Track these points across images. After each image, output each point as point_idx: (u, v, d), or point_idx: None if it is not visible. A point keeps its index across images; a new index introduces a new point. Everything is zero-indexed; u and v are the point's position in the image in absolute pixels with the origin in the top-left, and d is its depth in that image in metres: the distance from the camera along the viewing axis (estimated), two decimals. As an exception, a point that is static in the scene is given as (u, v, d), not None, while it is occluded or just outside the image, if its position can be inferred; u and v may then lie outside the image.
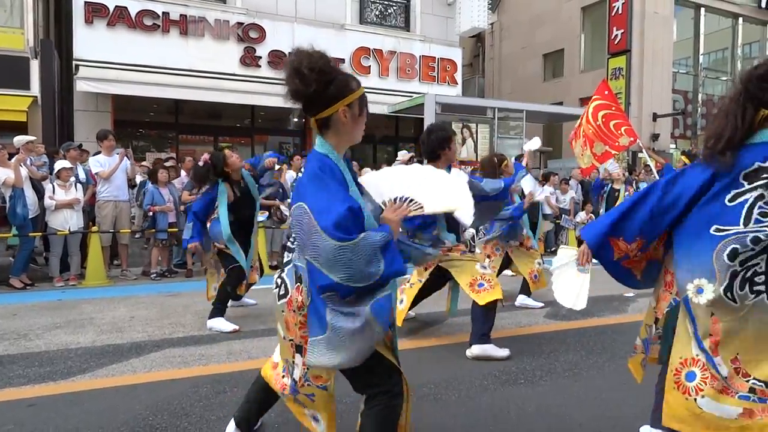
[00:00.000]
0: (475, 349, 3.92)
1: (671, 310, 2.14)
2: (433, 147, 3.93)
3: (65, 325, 4.89)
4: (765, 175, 1.81)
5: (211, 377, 3.53)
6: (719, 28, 20.28)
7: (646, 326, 2.39)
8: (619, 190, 8.36)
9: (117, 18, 11.26)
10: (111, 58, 11.15)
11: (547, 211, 10.89)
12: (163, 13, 11.68)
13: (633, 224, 2.07)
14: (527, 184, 6.11)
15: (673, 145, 18.60)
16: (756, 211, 1.80)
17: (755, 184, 1.82)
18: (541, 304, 5.67)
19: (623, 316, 5.38)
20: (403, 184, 2.14)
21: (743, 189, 1.83)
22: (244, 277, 4.86)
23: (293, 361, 1.99)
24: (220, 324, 4.68)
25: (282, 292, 1.94)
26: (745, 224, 1.80)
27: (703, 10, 19.34)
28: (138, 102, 11.90)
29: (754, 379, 1.86)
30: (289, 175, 9.46)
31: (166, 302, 5.91)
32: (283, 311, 1.94)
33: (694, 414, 1.95)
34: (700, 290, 1.91)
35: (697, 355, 1.95)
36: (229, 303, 5.36)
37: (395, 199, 2.06)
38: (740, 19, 19.97)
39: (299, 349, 1.93)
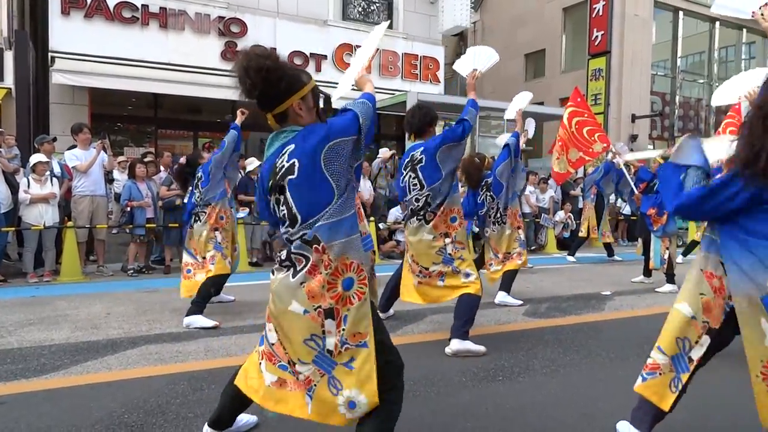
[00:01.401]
0: (456, 344, 3.94)
1: (729, 314, 2.10)
2: (423, 123, 4.03)
3: (39, 322, 4.79)
4: None
5: (188, 374, 3.49)
6: (697, 32, 20.62)
7: (679, 339, 2.25)
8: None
9: (94, 10, 11.05)
10: (88, 51, 10.95)
11: (527, 210, 10.99)
12: (143, 5, 11.49)
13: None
14: (530, 127, 6.27)
15: (651, 146, 18.87)
16: None
17: None
18: (520, 302, 5.71)
19: (600, 314, 5.45)
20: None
21: None
22: (227, 277, 4.99)
23: (323, 332, 1.88)
24: (200, 320, 4.63)
25: (301, 267, 1.87)
26: None
27: (681, 13, 19.65)
28: (116, 96, 11.69)
29: None
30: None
31: (143, 299, 5.83)
32: (302, 283, 1.86)
33: None
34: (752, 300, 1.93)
35: None
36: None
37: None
38: (717, 23, 20.32)
39: (330, 314, 1.86)
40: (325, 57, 13.45)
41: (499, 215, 5.58)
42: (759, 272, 1.92)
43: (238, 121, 4.98)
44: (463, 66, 4.49)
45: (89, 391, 3.22)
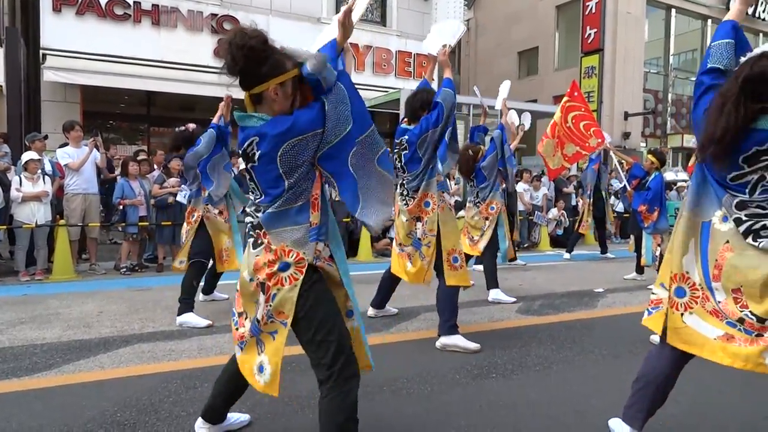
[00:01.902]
0: (443, 340, 3.97)
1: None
2: (416, 108, 4.01)
3: (30, 321, 4.77)
4: (764, 158, 1.97)
5: (181, 373, 3.48)
6: (689, 29, 20.73)
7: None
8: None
9: (86, 7, 10.98)
10: (80, 48, 10.88)
11: (521, 207, 11.01)
12: (135, 2, 11.43)
13: None
14: (526, 120, 6.28)
15: (644, 144, 18.97)
16: (759, 188, 2.02)
17: (755, 167, 2.00)
18: (514, 299, 5.73)
19: (593, 311, 5.47)
20: None
21: (744, 171, 2.02)
22: (206, 268, 4.95)
23: (256, 301, 2.10)
24: (193, 319, 4.61)
25: (259, 241, 2.05)
26: (750, 195, 2.04)
27: (673, 11, 19.74)
28: (108, 93, 11.63)
29: (748, 311, 2.03)
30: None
31: (136, 297, 5.81)
32: (257, 255, 2.05)
33: (675, 327, 2.23)
34: (725, 218, 2.10)
35: (687, 273, 2.20)
36: (201, 297, 5.31)
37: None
38: (709, 21, 20.43)
39: (263, 288, 2.04)
40: (319, 54, 13.42)
41: (477, 201, 5.78)
42: (712, 204, 2.15)
43: (216, 118, 4.60)
44: (431, 44, 4.30)
45: (81, 389, 3.20)
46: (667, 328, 2.26)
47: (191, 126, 4.90)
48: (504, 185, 6.01)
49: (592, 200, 9.41)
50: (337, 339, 2.04)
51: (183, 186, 6.28)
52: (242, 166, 6.94)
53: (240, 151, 2.05)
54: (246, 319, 2.19)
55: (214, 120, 4.63)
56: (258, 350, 2.16)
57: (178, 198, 7.39)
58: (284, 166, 1.93)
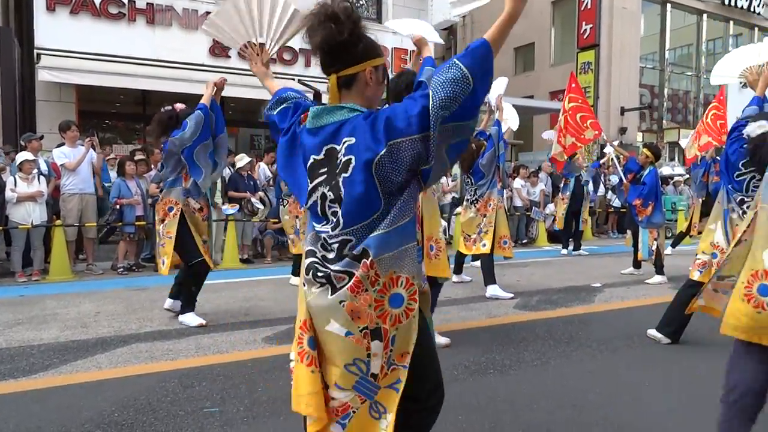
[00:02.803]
0: None
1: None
2: (400, 89, 3.88)
3: (27, 321, 4.75)
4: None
5: (179, 372, 3.48)
6: (684, 24, 20.74)
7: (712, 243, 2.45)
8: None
9: (80, 6, 10.91)
10: (74, 47, 10.82)
11: (518, 203, 11.03)
12: (129, 1, 11.37)
13: None
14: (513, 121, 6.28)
15: (640, 139, 18.98)
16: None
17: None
18: (511, 295, 5.74)
19: (590, 306, 5.48)
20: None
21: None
22: (208, 271, 4.67)
23: (368, 354, 1.61)
24: (189, 319, 4.61)
25: (341, 284, 1.58)
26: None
27: (669, 6, 19.74)
28: (103, 92, 11.59)
29: None
30: (262, 169, 9.37)
31: (133, 297, 5.80)
32: (342, 302, 1.57)
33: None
34: None
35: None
36: (167, 303, 5.05)
37: None
38: (704, 16, 20.45)
39: (377, 335, 1.59)
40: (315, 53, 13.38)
41: (474, 198, 5.78)
42: None
43: (206, 99, 4.27)
44: (404, 28, 4.15)
45: (79, 390, 3.20)
46: (752, 327, 2.10)
47: (178, 106, 4.59)
48: (501, 183, 6.02)
49: (570, 193, 9.36)
50: (436, 372, 1.81)
51: (152, 173, 5.61)
52: (242, 163, 6.59)
53: (307, 160, 1.66)
54: (338, 391, 1.64)
55: (203, 100, 4.31)
56: (373, 415, 1.65)
57: None
58: (378, 175, 1.53)
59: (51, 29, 10.72)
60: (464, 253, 6.02)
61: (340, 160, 1.57)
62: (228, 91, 12.15)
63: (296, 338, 1.70)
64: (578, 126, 6.57)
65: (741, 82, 3.88)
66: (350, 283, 1.56)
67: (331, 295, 1.59)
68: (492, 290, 5.75)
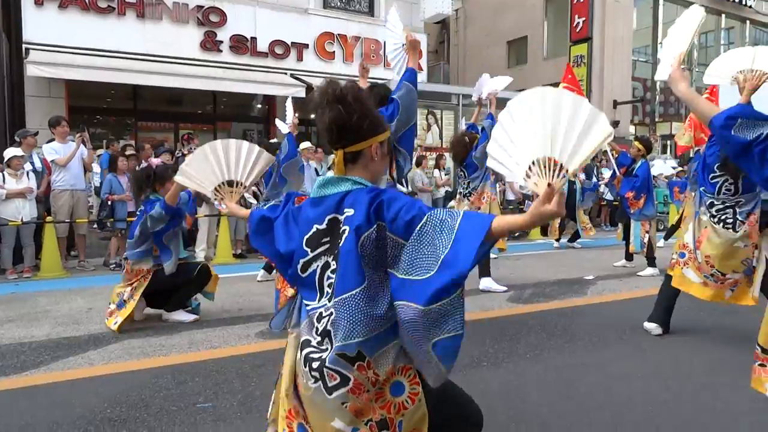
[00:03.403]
0: None
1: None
2: (374, 102, 3.83)
3: (18, 319, 4.72)
4: None
5: (172, 368, 3.47)
6: (677, 17, 20.77)
7: None
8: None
9: (69, 0, 10.81)
10: (63, 42, 10.71)
11: (511, 197, 11.05)
12: (119, -6, 11.28)
13: None
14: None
15: (633, 132, 19.04)
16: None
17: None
18: (504, 288, 5.75)
19: (583, 299, 5.50)
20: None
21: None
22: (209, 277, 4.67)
23: None
24: (181, 315, 4.60)
25: (333, 383, 1.55)
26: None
27: (661, -1, 19.79)
28: (94, 88, 11.47)
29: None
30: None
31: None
32: (344, 403, 1.55)
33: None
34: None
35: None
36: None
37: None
38: (696, 9, 20.49)
39: (384, 425, 1.59)
40: (307, 46, 13.31)
41: (468, 191, 5.80)
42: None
43: (171, 198, 4.17)
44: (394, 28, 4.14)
45: (70, 387, 3.18)
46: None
47: (154, 162, 4.69)
48: (494, 176, 6.04)
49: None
50: (464, 413, 1.81)
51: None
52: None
53: (309, 230, 1.67)
54: None
55: (169, 199, 4.22)
56: None
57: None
58: (378, 252, 1.56)
59: (39, 24, 10.61)
60: None
61: (341, 230, 1.59)
62: (220, 86, 12.18)
63: (283, 424, 1.70)
64: None
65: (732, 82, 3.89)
66: (350, 386, 1.55)
67: (329, 395, 1.56)
68: (485, 283, 5.76)
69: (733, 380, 3.22)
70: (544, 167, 1.39)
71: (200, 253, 7.95)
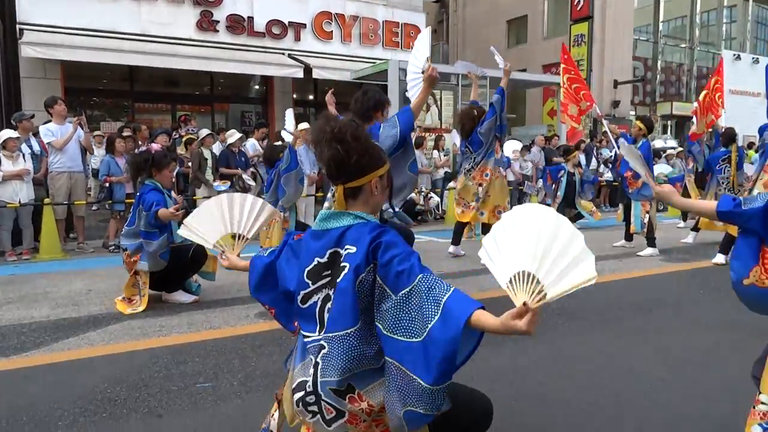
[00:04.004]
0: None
1: None
2: (368, 107, 3.80)
3: (18, 300, 4.72)
4: None
5: (172, 348, 3.47)
6: (679, -4, 20.54)
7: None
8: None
9: (63, -21, 10.67)
10: (58, 22, 10.60)
11: (510, 177, 11.00)
12: (113, -26, 11.11)
13: None
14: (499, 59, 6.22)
15: (633, 112, 18.94)
16: None
17: None
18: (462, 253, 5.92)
19: (583, 279, 5.51)
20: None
21: None
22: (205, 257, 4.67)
23: None
24: (181, 296, 4.60)
25: (330, 416, 1.61)
26: None
27: (663, -24, 19.54)
28: (89, 69, 11.38)
29: None
30: (250, 143, 9.29)
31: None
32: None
33: None
34: None
35: None
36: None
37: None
38: (699, -14, 20.25)
39: None
40: (304, 26, 13.17)
41: (472, 168, 5.80)
42: None
43: (166, 216, 4.22)
44: (417, 61, 4.23)
45: (71, 367, 3.19)
46: None
47: (154, 147, 4.71)
48: (499, 153, 5.99)
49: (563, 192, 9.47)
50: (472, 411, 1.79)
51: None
52: (232, 139, 6.64)
53: (310, 263, 1.70)
54: None
55: (161, 217, 4.28)
56: None
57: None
58: (359, 288, 1.61)
59: (33, 4, 10.49)
60: (462, 222, 6.06)
61: (342, 266, 1.62)
62: (217, 66, 12.07)
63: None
64: (576, 96, 6.55)
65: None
66: (346, 417, 1.60)
67: (329, 426, 1.62)
68: (453, 249, 6.05)
69: (733, 359, 3.23)
70: (527, 282, 1.41)
71: (199, 235, 7.95)
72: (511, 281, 1.43)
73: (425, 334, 1.47)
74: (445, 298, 1.48)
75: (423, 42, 4.12)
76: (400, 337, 1.53)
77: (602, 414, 2.58)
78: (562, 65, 6.48)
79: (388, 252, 1.58)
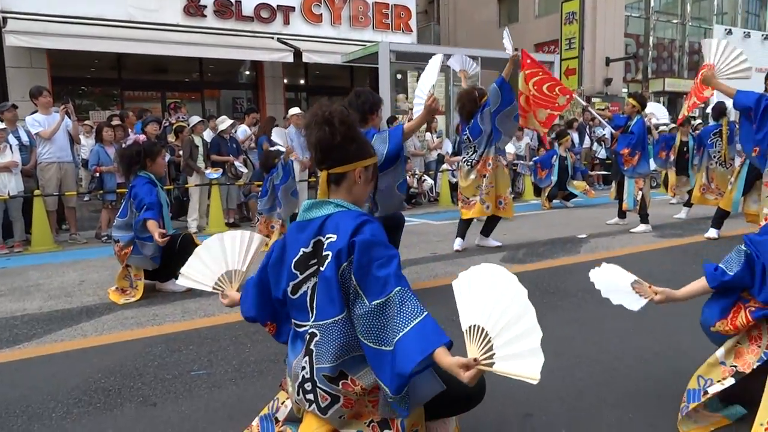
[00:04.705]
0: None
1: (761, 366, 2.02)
2: (363, 111, 3.83)
3: (10, 293, 4.70)
4: None
5: (165, 336, 3.47)
6: (670, -29, 20.36)
7: (701, 378, 2.19)
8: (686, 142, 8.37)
9: (46, -34, 10.47)
10: (42, 10, 10.43)
11: (504, 162, 10.97)
12: (97, -41, 10.92)
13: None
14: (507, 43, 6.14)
15: (625, 89, 18.87)
16: None
17: None
18: (499, 243, 5.82)
19: (576, 257, 5.52)
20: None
21: None
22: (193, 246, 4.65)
23: None
24: (175, 285, 4.58)
25: (325, 404, 1.65)
26: None
27: (654, -49, 19.34)
28: (76, 57, 11.22)
29: None
30: (241, 130, 9.21)
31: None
32: (342, 416, 1.66)
33: None
34: None
35: None
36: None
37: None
38: (690, -39, 20.06)
39: (384, 425, 1.67)
40: (293, 9, 13.01)
41: (473, 158, 5.65)
42: None
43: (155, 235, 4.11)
44: (423, 86, 4.26)
45: (65, 358, 3.18)
46: None
47: (140, 138, 4.66)
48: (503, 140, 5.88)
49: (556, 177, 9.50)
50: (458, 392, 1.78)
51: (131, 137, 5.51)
52: (224, 125, 6.70)
53: (296, 254, 1.71)
54: None
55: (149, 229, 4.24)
56: None
57: None
58: (343, 279, 1.63)
59: (16, -9, 10.30)
60: (466, 219, 5.81)
61: (325, 254, 1.64)
62: (205, 52, 11.92)
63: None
64: (548, 96, 6.51)
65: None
66: (341, 402, 1.65)
67: (324, 414, 1.66)
68: (459, 244, 5.86)
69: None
70: (480, 338, 1.48)
71: (192, 223, 7.92)
72: (469, 329, 1.51)
73: (393, 345, 1.51)
74: (413, 324, 1.51)
75: (433, 68, 4.29)
76: (370, 343, 1.56)
77: (596, 391, 2.59)
78: (526, 71, 6.40)
79: (368, 253, 1.58)
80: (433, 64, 4.32)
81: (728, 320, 2.08)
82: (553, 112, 6.83)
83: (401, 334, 1.50)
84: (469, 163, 5.68)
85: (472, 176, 5.63)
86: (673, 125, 11.00)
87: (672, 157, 8.49)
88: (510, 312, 1.49)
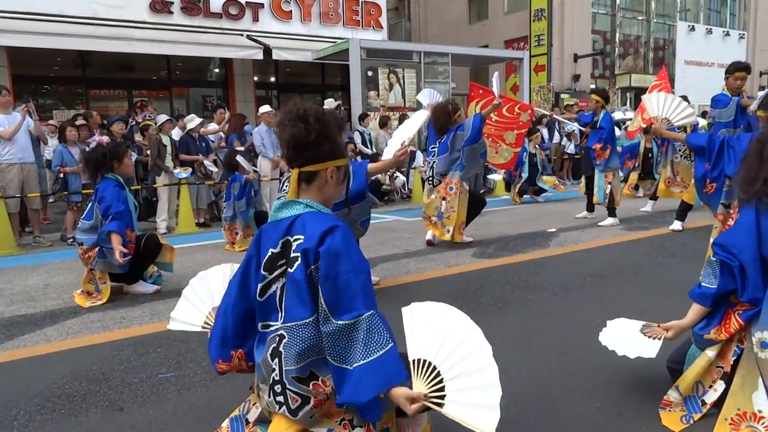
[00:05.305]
0: None
1: (736, 359, 2.11)
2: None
3: (-30, 299, 4.55)
4: None
5: (133, 340, 3.40)
6: (635, -31, 20.75)
7: (697, 384, 2.21)
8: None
9: (4, -40, 10.14)
10: (0, 6, 10.10)
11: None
12: (58, -46, 10.62)
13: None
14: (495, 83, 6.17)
15: (593, 85, 19.19)
16: None
17: None
18: (471, 239, 5.91)
19: (545, 251, 5.59)
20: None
21: None
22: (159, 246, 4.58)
23: None
24: (143, 287, 4.50)
25: (296, 405, 1.63)
26: None
27: (619, -51, 19.68)
28: (38, 55, 10.92)
29: None
30: (211, 127, 9.08)
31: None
32: (312, 416, 1.65)
33: None
34: (763, 344, 1.99)
35: (761, 411, 1.98)
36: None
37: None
38: (655, -41, 20.47)
39: (357, 422, 1.67)
40: (262, 6, 12.87)
41: (431, 176, 5.74)
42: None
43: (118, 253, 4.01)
44: (399, 136, 4.39)
45: (27, 365, 3.09)
46: None
47: (104, 139, 4.52)
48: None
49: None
50: None
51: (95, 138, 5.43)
52: (192, 124, 6.61)
53: (265, 254, 1.71)
54: None
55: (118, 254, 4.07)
56: None
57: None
58: (310, 280, 1.65)
59: (-28, -13, 9.96)
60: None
61: (293, 256, 1.63)
62: (173, 50, 11.73)
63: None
64: (511, 118, 6.61)
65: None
66: (311, 403, 1.63)
67: (295, 416, 1.64)
68: (429, 235, 5.91)
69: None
70: (427, 372, 1.52)
71: (161, 224, 7.78)
72: (416, 361, 1.55)
73: (353, 368, 1.53)
74: (377, 355, 1.52)
75: (416, 121, 4.37)
76: (331, 359, 1.57)
77: (565, 382, 2.63)
78: (481, 101, 6.49)
79: (336, 264, 1.57)
80: (417, 118, 4.44)
81: (722, 327, 2.12)
82: (520, 130, 6.97)
83: (363, 362, 1.52)
84: (430, 182, 5.76)
85: (433, 196, 5.72)
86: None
87: (637, 164, 8.90)
88: (469, 360, 1.52)
